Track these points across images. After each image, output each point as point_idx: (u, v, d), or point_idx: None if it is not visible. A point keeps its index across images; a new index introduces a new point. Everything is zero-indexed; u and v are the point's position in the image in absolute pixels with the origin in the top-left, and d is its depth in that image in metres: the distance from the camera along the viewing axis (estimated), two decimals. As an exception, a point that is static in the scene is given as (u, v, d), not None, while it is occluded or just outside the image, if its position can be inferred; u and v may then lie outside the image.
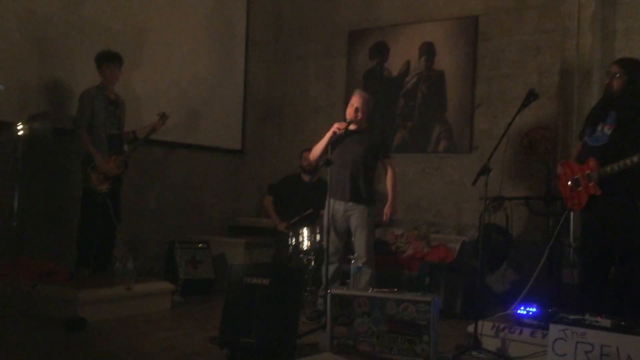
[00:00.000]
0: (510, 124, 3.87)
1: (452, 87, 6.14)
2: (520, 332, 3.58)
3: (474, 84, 6.01)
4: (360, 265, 4.40)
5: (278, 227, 5.71)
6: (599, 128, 4.00)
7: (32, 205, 4.88)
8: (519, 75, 5.74)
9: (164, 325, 4.34)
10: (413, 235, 5.72)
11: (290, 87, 7.34)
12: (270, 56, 7.38)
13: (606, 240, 3.98)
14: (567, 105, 5.23)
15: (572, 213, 4.57)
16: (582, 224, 4.23)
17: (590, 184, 3.91)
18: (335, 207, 4.50)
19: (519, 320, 3.72)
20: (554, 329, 3.17)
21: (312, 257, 5.11)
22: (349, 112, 4.57)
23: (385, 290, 3.70)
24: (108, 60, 4.91)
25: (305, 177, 5.87)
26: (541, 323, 3.55)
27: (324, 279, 4.36)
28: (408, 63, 6.44)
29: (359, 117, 4.55)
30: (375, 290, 3.76)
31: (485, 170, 3.70)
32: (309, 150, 4.95)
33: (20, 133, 4.38)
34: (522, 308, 3.82)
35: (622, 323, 3.31)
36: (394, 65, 6.54)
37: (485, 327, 3.67)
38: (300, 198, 5.70)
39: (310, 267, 5.15)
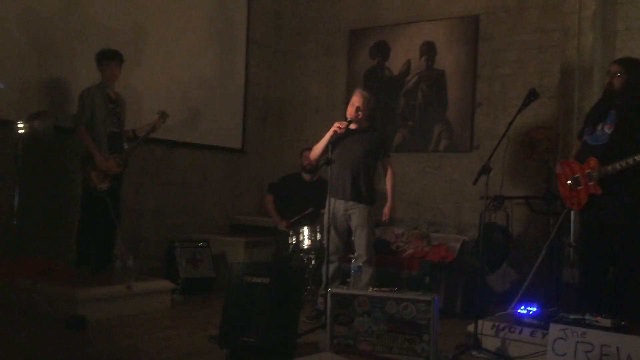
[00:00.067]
0: (510, 123, 3.87)
1: (453, 87, 6.14)
2: (520, 332, 3.58)
3: (474, 84, 6.01)
4: (361, 264, 4.40)
5: (278, 226, 5.71)
6: (599, 127, 4.00)
7: (32, 204, 4.88)
8: (519, 74, 5.74)
9: (164, 324, 4.34)
10: (413, 235, 5.72)
11: (291, 86, 7.34)
12: (271, 55, 7.37)
13: (605, 239, 3.98)
14: (567, 105, 5.23)
15: (572, 212, 4.56)
16: (582, 224, 4.23)
17: (591, 183, 3.91)
18: (336, 206, 4.50)
19: (519, 320, 3.72)
20: (554, 329, 3.17)
21: (313, 256, 5.11)
22: (350, 111, 4.57)
23: (386, 289, 3.70)
24: (108, 58, 4.91)
25: (306, 176, 5.87)
26: (541, 323, 3.55)
27: (324, 278, 4.35)
28: (409, 62, 6.44)
29: (359, 117, 4.55)
30: (375, 289, 3.76)
31: (485, 169, 3.70)
32: (310, 149, 4.95)
33: (20, 131, 4.38)
34: (522, 307, 3.82)
35: (622, 323, 3.31)
36: (394, 64, 6.54)
37: (485, 326, 3.67)
38: (301, 197, 5.70)
39: (311, 266, 5.14)
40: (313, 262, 5.13)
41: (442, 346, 3.66)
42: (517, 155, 5.46)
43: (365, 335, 3.61)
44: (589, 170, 3.92)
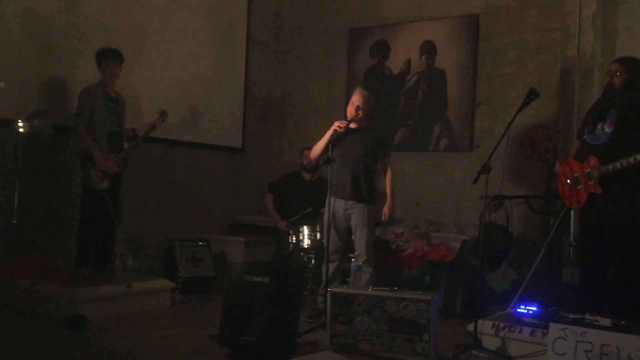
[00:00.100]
0: (510, 122, 3.87)
1: (453, 86, 6.14)
2: (520, 331, 3.58)
3: (474, 83, 6.01)
4: (361, 263, 4.40)
5: (278, 225, 5.71)
6: (599, 127, 4.00)
7: (32, 203, 4.88)
8: (519, 74, 5.74)
9: (164, 323, 4.34)
10: (413, 234, 5.72)
11: (291, 85, 7.33)
12: (271, 55, 7.37)
13: (605, 239, 3.98)
14: (567, 104, 5.23)
15: (572, 212, 4.56)
16: (582, 223, 4.23)
17: (591, 183, 3.91)
18: (336, 205, 4.51)
19: (519, 319, 3.72)
20: (554, 328, 3.17)
21: (312, 256, 5.11)
22: (350, 111, 4.57)
23: (386, 288, 3.70)
24: (108, 57, 4.91)
25: (306, 176, 5.87)
26: (541, 322, 3.55)
27: (324, 277, 4.36)
28: (409, 62, 6.44)
29: (359, 116, 4.55)
30: (375, 288, 3.75)
31: (485, 169, 3.70)
32: (310, 148, 4.95)
33: (20, 131, 4.38)
34: (522, 307, 3.82)
35: (622, 322, 3.31)
36: (394, 63, 6.54)
37: (485, 326, 3.68)
38: (301, 196, 5.70)
39: (311, 266, 5.15)
40: (313, 261, 5.13)
41: (442, 345, 3.66)
42: (517, 155, 5.46)
43: (365, 335, 3.61)
44: (588, 170, 3.92)
